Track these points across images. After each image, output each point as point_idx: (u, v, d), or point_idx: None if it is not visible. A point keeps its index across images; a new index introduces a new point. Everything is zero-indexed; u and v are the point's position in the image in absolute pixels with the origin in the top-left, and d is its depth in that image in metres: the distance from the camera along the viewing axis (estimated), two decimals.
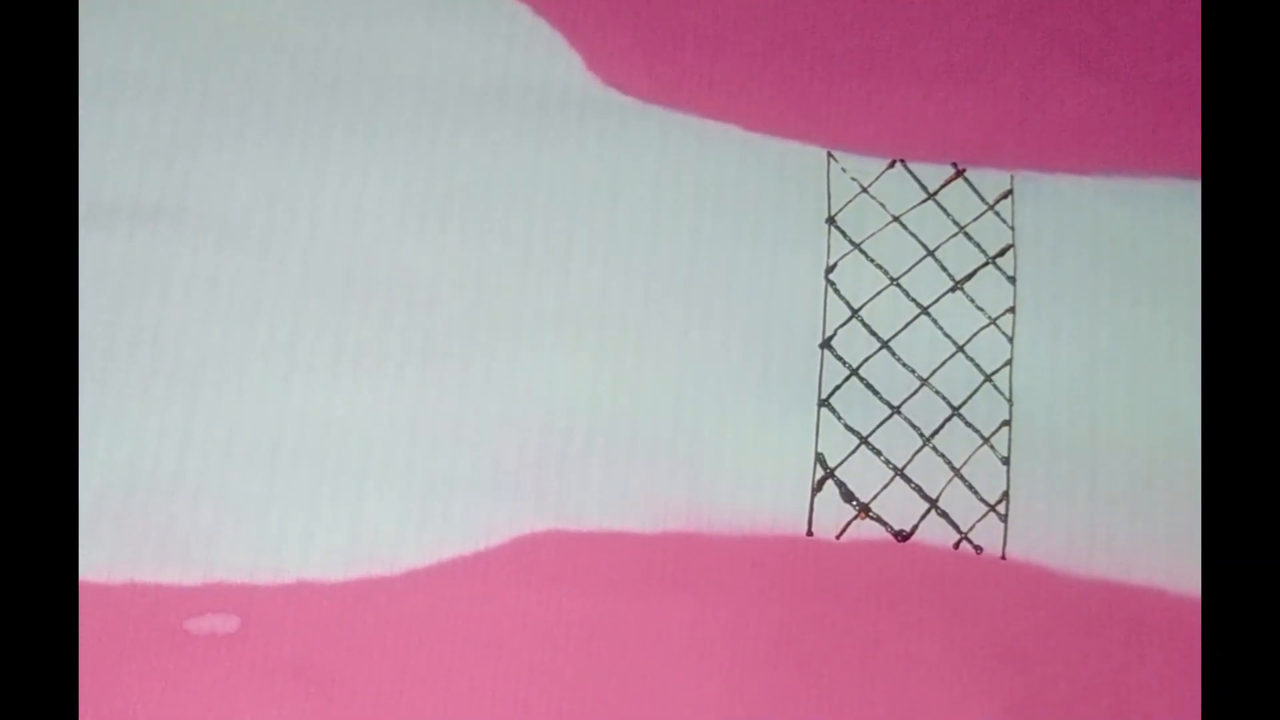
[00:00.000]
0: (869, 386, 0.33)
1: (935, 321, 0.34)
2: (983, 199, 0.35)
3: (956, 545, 0.32)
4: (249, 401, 0.32)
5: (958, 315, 0.34)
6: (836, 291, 0.34)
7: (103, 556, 0.31)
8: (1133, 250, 0.35)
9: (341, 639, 0.31)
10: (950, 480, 0.33)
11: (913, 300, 0.34)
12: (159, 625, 0.31)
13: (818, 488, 0.32)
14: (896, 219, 0.35)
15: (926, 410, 0.33)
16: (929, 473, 0.33)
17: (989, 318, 0.34)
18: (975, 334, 0.34)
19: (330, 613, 0.31)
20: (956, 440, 0.33)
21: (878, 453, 0.33)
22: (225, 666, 0.31)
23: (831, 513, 0.32)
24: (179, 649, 0.31)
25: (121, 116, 0.34)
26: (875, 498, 0.33)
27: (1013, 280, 0.34)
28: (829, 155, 0.35)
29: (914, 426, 0.33)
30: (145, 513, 0.31)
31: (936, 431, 0.33)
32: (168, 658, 0.31)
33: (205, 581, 0.31)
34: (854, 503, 0.32)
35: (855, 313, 0.34)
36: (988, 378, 0.34)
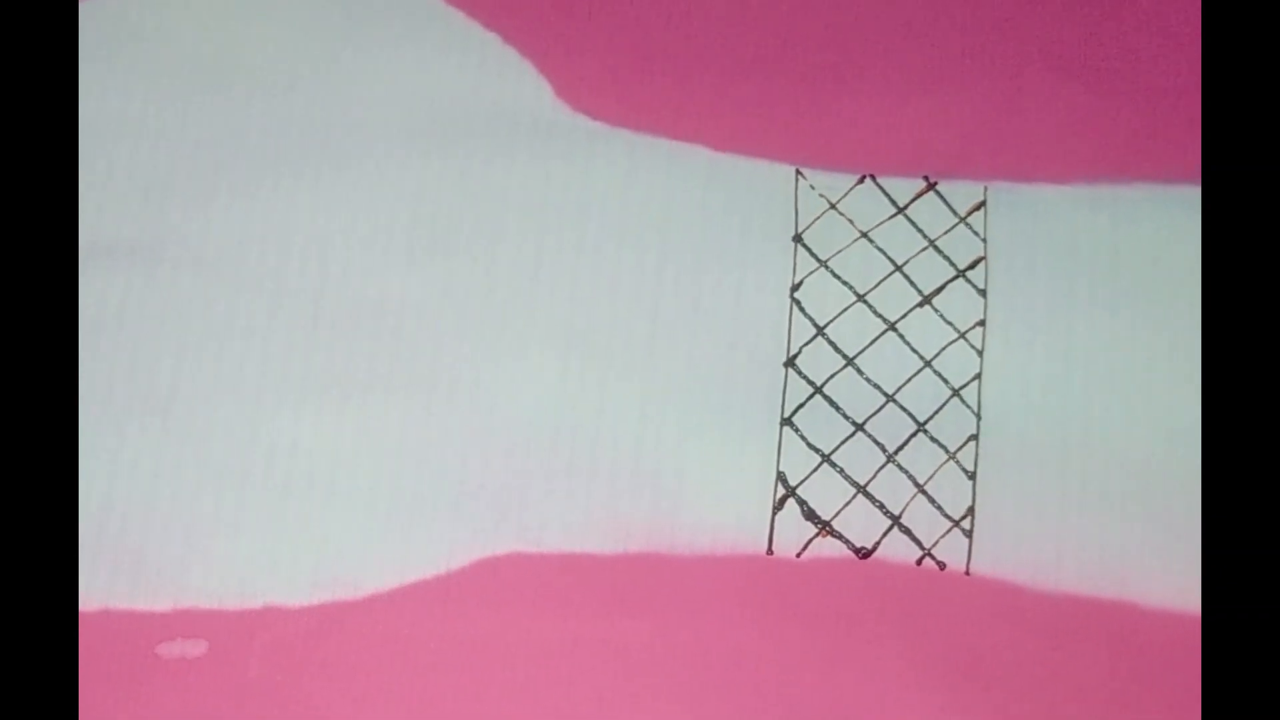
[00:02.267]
0: (833, 404, 0.33)
1: (902, 337, 0.34)
2: (954, 211, 0.35)
3: (919, 562, 0.32)
4: (218, 430, 0.33)
5: (926, 330, 0.34)
6: (801, 309, 0.34)
7: (79, 584, 0.32)
8: (1107, 259, 0.34)
9: (308, 662, 0.32)
10: (914, 496, 0.33)
11: (879, 316, 0.34)
12: (131, 650, 0.32)
13: (779, 506, 0.32)
14: (864, 235, 0.34)
15: (892, 426, 0.33)
16: (893, 490, 0.33)
17: (958, 331, 0.34)
18: (943, 348, 0.34)
19: (297, 636, 0.32)
20: (923, 456, 0.33)
21: (840, 470, 0.33)
22: (195, 690, 0.31)
23: (793, 531, 0.32)
24: (150, 673, 0.32)
25: (100, 155, 0.35)
26: (836, 515, 0.32)
27: (983, 293, 0.34)
28: (797, 173, 0.35)
29: (878, 443, 0.33)
30: (118, 540, 0.32)
31: (901, 448, 0.33)
32: (140, 682, 0.32)
33: (175, 607, 0.32)
34: (815, 521, 0.32)
35: (820, 330, 0.34)
36: (955, 392, 0.33)
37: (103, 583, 0.32)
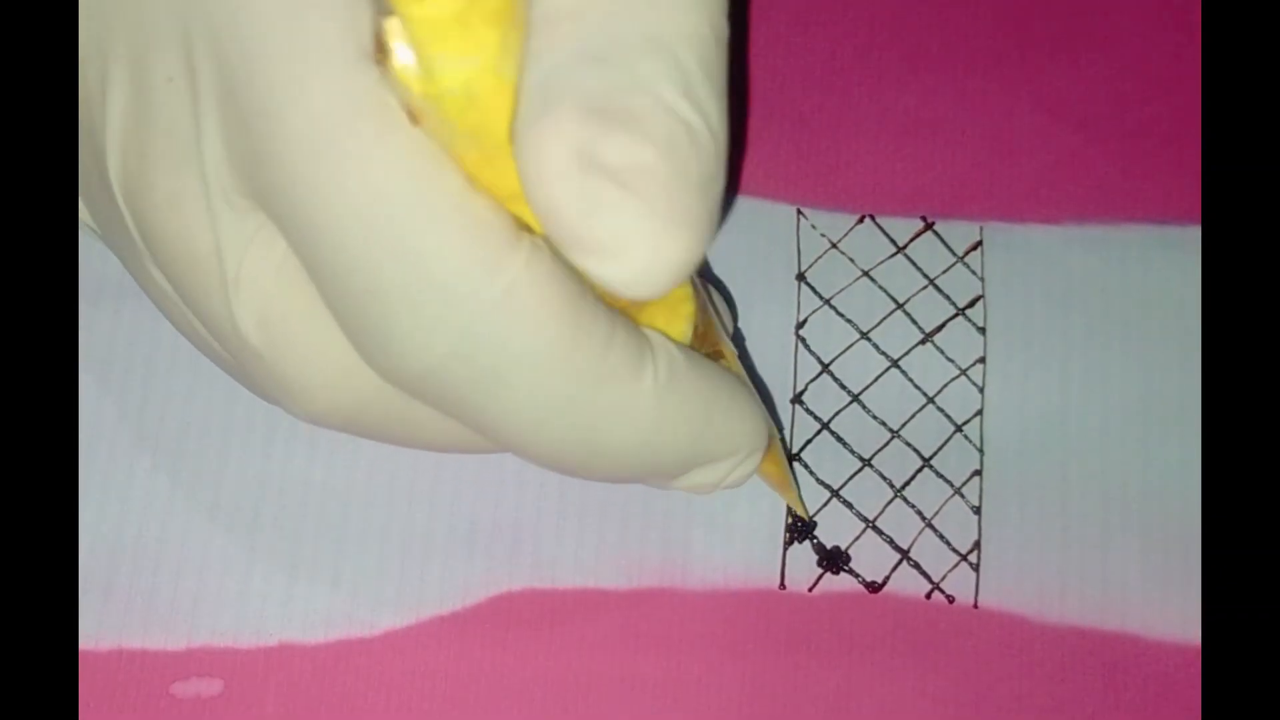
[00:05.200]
0: (840, 440, 0.34)
1: (905, 374, 0.34)
2: (952, 251, 0.35)
3: (929, 595, 0.33)
4: (231, 467, 0.33)
5: (928, 367, 0.35)
6: (807, 347, 0.34)
7: (91, 624, 0.32)
8: (1102, 297, 0.35)
9: (323, 700, 0.32)
10: (921, 531, 0.33)
11: (883, 354, 0.35)
12: (146, 690, 0.32)
13: (789, 542, 0.33)
14: (866, 274, 0.35)
15: (898, 462, 0.34)
16: (900, 524, 0.33)
17: (959, 368, 0.35)
18: (945, 385, 0.34)
19: (312, 674, 0.32)
20: (928, 491, 0.34)
21: (849, 505, 0.33)
22: None
23: (804, 566, 0.33)
24: (165, 713, 0.32)
25: None
26: (848, 548, 0.33)
27: (982, 331, 0.35)
28: (798, 212, 0.36)
29: (885, 479, 0.33)
30: (131, 579, 0.32)
31: (907, 483, 0.33)
32: None
33: (190, 646, 0.32)
34: (823, 560, 0.33)
35: (825, 367, 0.34)
36: (958, 428, 0.34)
37: (116, 622, 0.32)
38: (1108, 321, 0.35)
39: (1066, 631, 0.32)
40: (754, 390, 0.30)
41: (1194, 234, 0.35)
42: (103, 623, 0.32)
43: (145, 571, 0.32)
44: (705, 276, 0.34)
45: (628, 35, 0.23)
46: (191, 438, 0.33)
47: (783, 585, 0.33)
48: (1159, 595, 0.33)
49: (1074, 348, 0.35)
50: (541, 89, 0.22)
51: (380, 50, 0.23)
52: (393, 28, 0.23)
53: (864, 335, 0.35)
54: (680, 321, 0.28)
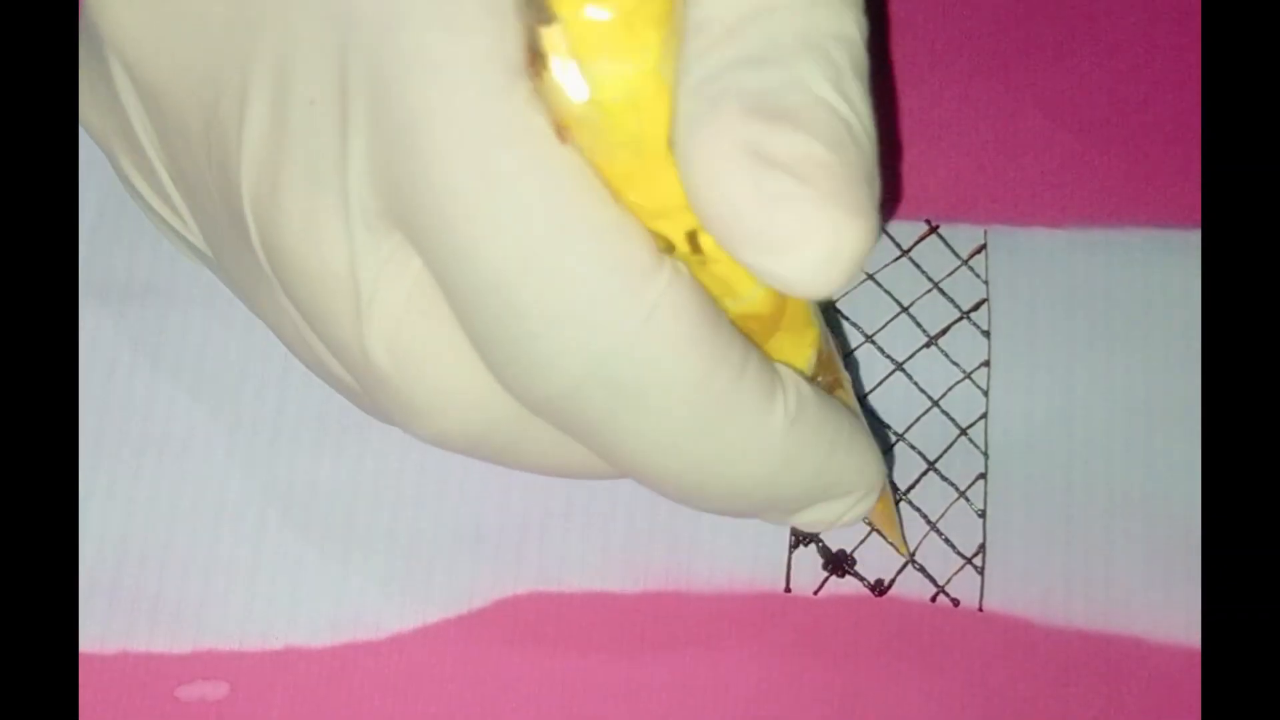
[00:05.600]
0: None
1: (910, 377, 0.35)
2: (956, 254, 0.36)
3: (934, 598, 0.33)
4: (236, 470, 0.33)
5: (932, 370, 0.35)
6: None
7: (96, 627, 0.32)
8: (1106, 301, 0.35)
9: (329, 703, 0.32)
10: (926, 534, 0.33)
11: (887, 357, 0.35)
12: (151, 693, 0.32)
13: (795, 545, 0.33)
14: (870, 277, 0.35)
15: (902, 465, 0.34)
16: (905, 527, 0.33)
17: (964, 372, 0.35)
18: (950, 388, 0.34)
19: (318, 678, 0.32)
20: (933, 494, 0.34)
21: None
22: None
23: (809, 569, 0.33)
24: (170, 716, 0.31)
25: (112, 199, 0.35)
26: (853, 551, 0.33)
27: (987, 334, 0.35)
28: None
29: (890, 481, 0.34)
30: (137, 582, 0.32)
31: (912, 486, 0.34)
32: None
33: (195, 649, 0.32)
34: (829, 562, 0.33)
35: None
36: (963, 431, 0.34)
37: (121, 625, 0.32)
38: (1111, 325, 0.35)
39: (1071, 635, 0.33)
40: (866, 425, 0.30)
41: (1196, 238, 0.36)
42: (108, 625, 0.32)
43: (151, 574, 0.32)
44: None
45: (783, 36, 0.23)
46: (197, 441, 0.33)
47: (788, 588, 0.33)
48: (1163, 598, 0.33)
49: (1078, 351, 0.35)
50: (704, 90, 0.23)
51: (534, 61, 0.23)
52: (551, 36, 0.23)
53: (868, 338, 0.35)
54: (806, 349, 0.28)
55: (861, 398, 0.34)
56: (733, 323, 0.26)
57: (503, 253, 0.23)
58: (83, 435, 0.33)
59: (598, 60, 0.23)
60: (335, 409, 0.33)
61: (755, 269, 0.23)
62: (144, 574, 0.32)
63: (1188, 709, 0.32)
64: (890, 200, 0.36)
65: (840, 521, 0.29)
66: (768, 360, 0.26)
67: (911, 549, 0.33)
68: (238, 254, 0.27)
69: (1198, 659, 0.32)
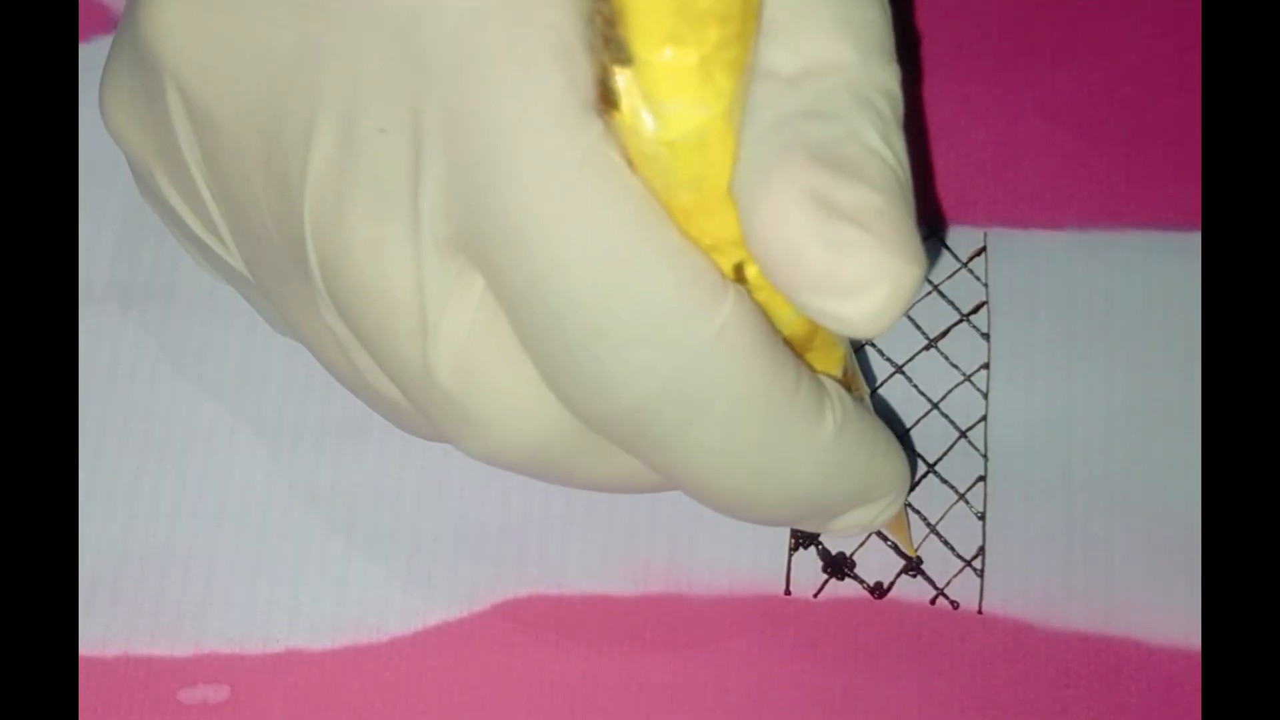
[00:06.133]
0: None
1: (909, 379, 0.35)
2: (956, 256, 0.36)
3: (933, 601, 0.33)
4: (237, 472, 0.33)
5: (932, 372, 0.35)
6: None
7: (98, 630, 0.32)
8: (1106, 303, 0.35)
9: (330, 706, 0.32)
10: (926, 537, 0.33)
11: (887, 359, 0.35)
12: (152, 696, 0.32)
13: (795, 547, 0.33)
14: None
15: None
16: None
17: (963, 374, 0.35)
18: (950, 391, 0.34)
19: (319, 680, 0.32)
20: (932, 497, 0.34)
21: None
22: None
23: (809, 571, 0.33)
24: (172, 719, 0.32)
25: (112, 202, 0.35)
26: (853, 554, 0.33)
27: (986, 336, 0.35)
28: None
29: None
30: (138, 585, 0.32)
31: (912, 489, 0.34)
32: None
33: (196, 652, 0.32)
34: (828, 565, 0.33)
35: None
36: (963, 434, 0.34)
37: (122, 627, 0.32)
38: (1111, 327, 0.35)
39: (1071, 637, 0.33)
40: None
41: (1196, 239, 0.36)
42: (109, 628, 0.32)
43: (152, 577, 0.32)
44: None
45: (839, 91, 0.25)
46: (198, 442, 0.33)
47: (788, 591, 0.33)
48: (1162, 601, 0.33)
49: (1078, 353, 0.35)
50: (769, 139, 0.24)
51: (605, 99, 0.24)
52: (626, 77, 0.24)
53: (868, 341, 0.35)
54: (834, 367, 0.29)
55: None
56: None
57: (581, 277, 0.24)
58: (83, 435, 0.33)
59: (671, 101, 0.24)
60: (336, 411, 0.33)
61: (813, 309, 0.24)
62: (145, 576, 0.32)
63: (1188, 711, 0.32)
64: None
65: (874, 524, 0.30)
66: (816, 374, 0.27)
67: (910, 552, 0.33)
68: (283, 275, 0.28)
69: (1198, 661, 0.32)
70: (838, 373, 0.29)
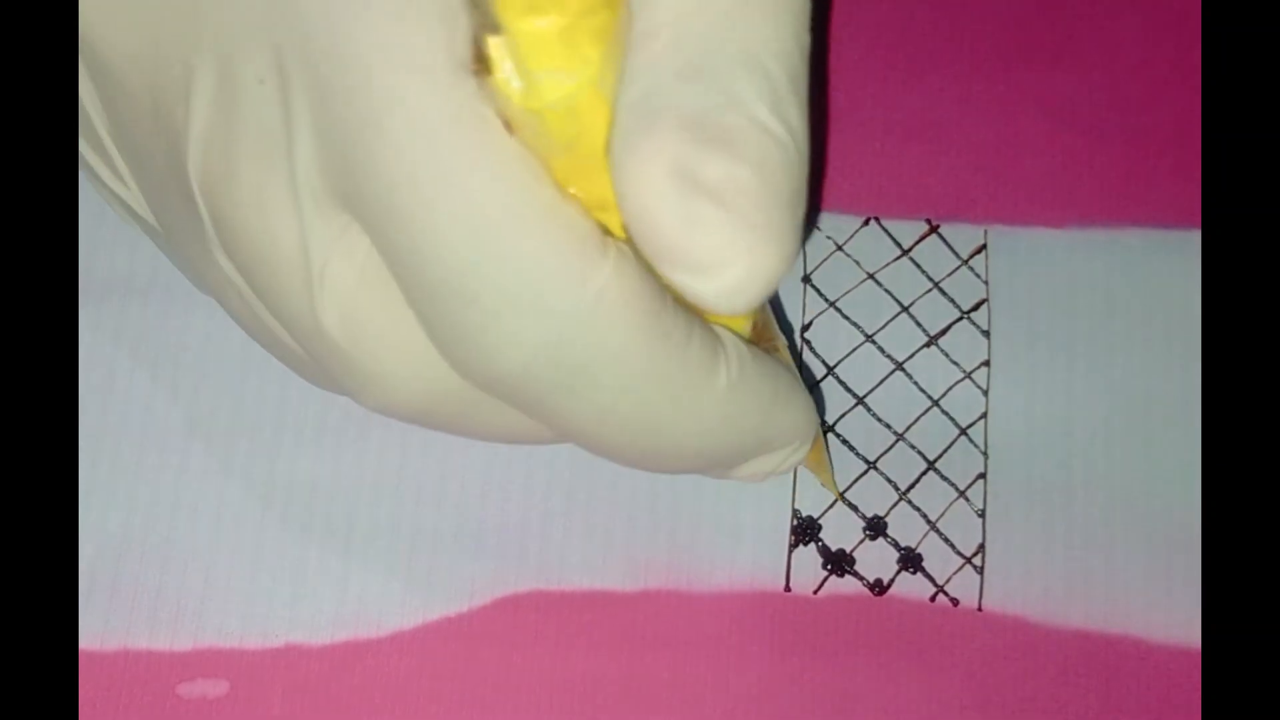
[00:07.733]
0: (846, 443, 0.34)
1: (910, 377, 0.35)
2: (956, 254, 0.36)
3: (933, 598, 0.33)
4: (237, 468, 0.33)
5: (933, 370, 0.35)
6: (812, 349, 0.35)
7: (97, 625, 0.32)
8: (1105, 301, 0.35)
9: (330, 701, 0.32)
10: (926, 533, 0.33)
11: (888, 356, 0.35)
12: (151, 691, 0.32)
13: (795, 544, 0.33)
14: (871, 276, 0.35)
15: (902, 465, 0.34)
16: (905, 527, 0.33)
17: (964, 371, 0.35)
18: (950, 388, 0.34)
19: (318, 676, 0.32)
20: (932, 494, 0.34)
21: (854, 508, 0.33)
22: None
23: (809, 568, 0.33)
24: (171, 714, 0.32)
25: None
26: (853, 551, 0.33)
27: (987, 334, 0.35)
28: None
29: (889, 481, 0.34)
30: (137, 580, 0.32)
31: (912, 486, 0.34)
32: None
33: (195, 646, 0.32)
34: (828, 562, 0.33)
35: (830, 370, 0.34)
36: (963, 431, 0.34)
37: (121, 622, 0.32)
38: (1111, 325, 0.35)
39: (1070, 635, 0.33)
40: (802, 381, 0.30)
41: (1196, 238, 0.36)
42: (108, 623, 0.32)
43: (151, 572, 0.32)
44: None
45: (723, 51, 0.23)
46: (197, 439, 0.33)
47: (788, 587, 0.33)
48: (1162, 599, 0.33)
49: (1078, 351, 0.35)
50: (640, 106, 0.23)
51: (479, 63, 0.24)
52: (496, 43, 0.23)
53: (869, 338, 0.35)
54: (743, 319, 0.28)
55: (861, 397, 0.34)
56: (676, 297, 0.26)
57: (455, 239, 0.24)
58: (83, 434, 0.33)
59: (538, 70, 0.23)
60: (336, 407, 0.33)
61: (674, 283, 0.24)
62: (144, 571, 0.32)
63: (1187, 709, 0.32)
64: (890, 200, 0.36)
65: (779, 470, 0.30)
66: (710, 328, 0.27)
67: (910, 548, 0.33)
68: (184, 225, 0.28)
69: (1197, 659, 0.33)
70: (746, 324, 0.29)
